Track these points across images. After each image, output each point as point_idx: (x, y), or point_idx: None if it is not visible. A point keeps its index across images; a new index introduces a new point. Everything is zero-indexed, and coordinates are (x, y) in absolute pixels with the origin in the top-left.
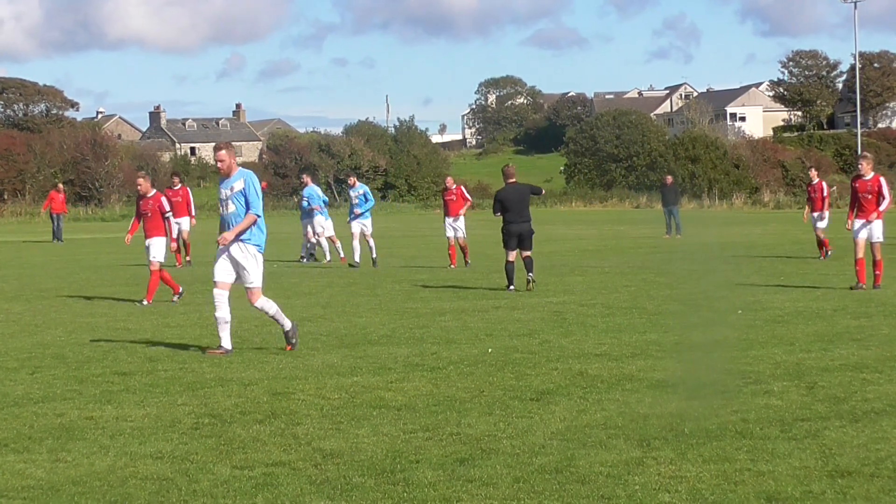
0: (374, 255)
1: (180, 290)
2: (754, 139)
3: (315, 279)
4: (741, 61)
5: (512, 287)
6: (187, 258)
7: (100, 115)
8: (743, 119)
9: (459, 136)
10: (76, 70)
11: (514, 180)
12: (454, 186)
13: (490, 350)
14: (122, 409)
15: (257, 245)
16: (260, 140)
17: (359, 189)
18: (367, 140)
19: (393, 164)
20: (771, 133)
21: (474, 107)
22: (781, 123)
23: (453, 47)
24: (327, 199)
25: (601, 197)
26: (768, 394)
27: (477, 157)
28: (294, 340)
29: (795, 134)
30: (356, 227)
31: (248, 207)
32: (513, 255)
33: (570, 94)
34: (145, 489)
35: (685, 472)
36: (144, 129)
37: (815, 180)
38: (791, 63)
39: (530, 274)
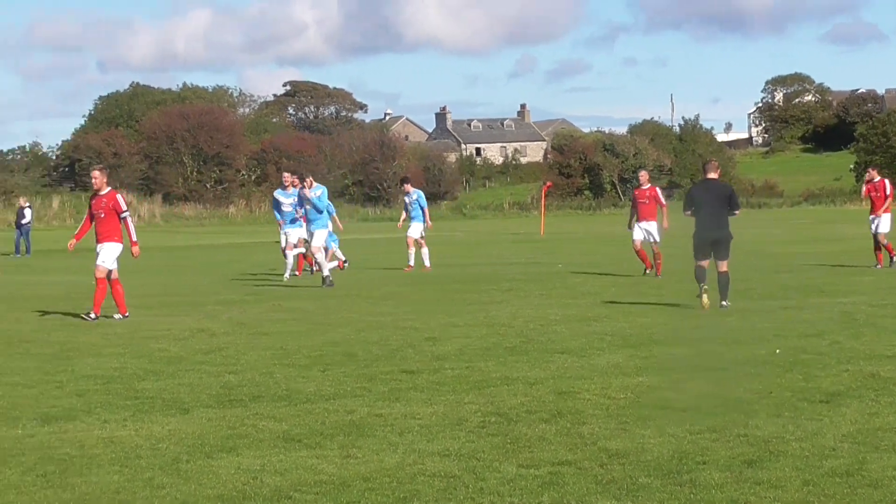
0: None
1: (126, 312)
2: None
3: (599, 279)
4: None
5: (704, 286)
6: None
7: (387, 117)
8: None
9: (745, 135)
10: (370, 72)
11: (713, 176)
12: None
13: (777, 351)
14: (410, 406)
15: None
16: (544, 140)
17: (413, 195)
18: (651, 139)
19: (677, 163)
20: None
21: (760, 105)
22: None
23: (746, 45)
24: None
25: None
26: None
27: (763, 156)
28: None
29: None
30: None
31: None
32: (705, 263)
33: (859, 91)
34: (433, 486)
35: None
36: (430, 130)
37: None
38: None
39: (724, 302)
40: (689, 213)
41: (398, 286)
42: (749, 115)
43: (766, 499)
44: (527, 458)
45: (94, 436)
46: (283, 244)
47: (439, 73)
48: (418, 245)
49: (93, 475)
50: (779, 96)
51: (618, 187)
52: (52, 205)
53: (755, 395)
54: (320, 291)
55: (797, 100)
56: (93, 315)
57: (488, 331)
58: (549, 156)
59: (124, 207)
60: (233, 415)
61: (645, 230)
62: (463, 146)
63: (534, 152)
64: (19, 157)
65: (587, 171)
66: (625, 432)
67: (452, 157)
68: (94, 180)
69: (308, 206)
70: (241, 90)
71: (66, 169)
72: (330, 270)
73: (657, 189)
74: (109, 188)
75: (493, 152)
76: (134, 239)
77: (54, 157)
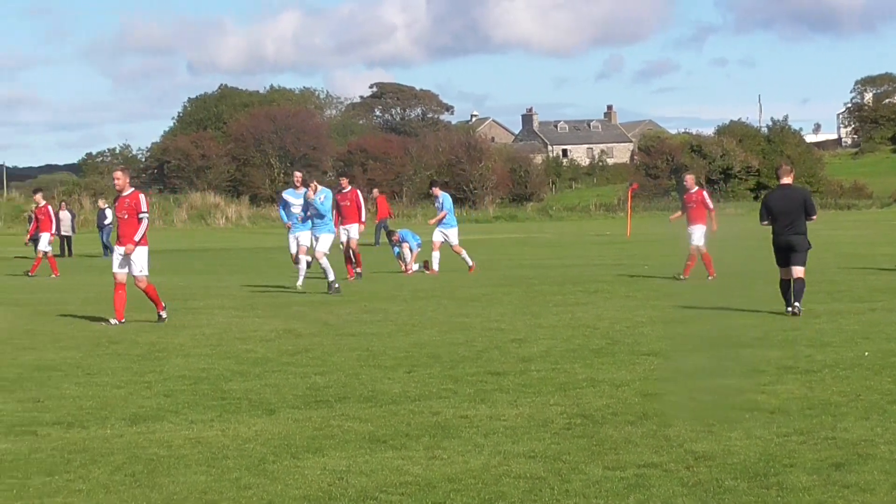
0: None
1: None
2: None
3: (686, 281)
4: None
5: (790, 309)
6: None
7: (473, 119)
8: None
9: (834, 136)
10: (458, 74)
11: (787, 181)
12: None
13: (866, 353)
14: (496, 408)
15: None
16: (631, 141)
17: (440, 199)
18: (739, 140)
19: (765, 164)
20: None
21: (850, 105)
22: None
23: (836, 44)
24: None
25: None
26: None
27: (852, 157)
28: None
29: None
30: (439, 235)
31: None
32: (784, 273)
33: None
34: (518, 487)
35: None
36: (517, 132)
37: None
38: None
39: (796, 303)
40: (766, 222)
41: (484, 287)
42: (838, 115)
43: (854, 502)
44: (612, 460)
45: (182, 436)
46: (294, 249)
47: (526, 75)
48: (441, 248)
49: (180, 475)
50: (868, 96)
51: (704, 188)
52: None
53: (843, 398)
54: (407, 293)
55: (887, 100)
56: (163, 315)
57: (574, 332)
58: (635, 157)
59: (144, 208)
60: (319, 416)
61: (689, 233)
62: (549, 147)
63: (620, 153)
64: (109, 159)
65: (674, 172)
66: (711, 434)
67: (539, 159)
68: (115, 181)
69: (312, 211)
70: (327, 92)
71: (155, 171)
72: (417, 270)
73: (704, 192)
74: (132, 189)
75: (580, 153)
76: (137, 238)
77: (143, 160)
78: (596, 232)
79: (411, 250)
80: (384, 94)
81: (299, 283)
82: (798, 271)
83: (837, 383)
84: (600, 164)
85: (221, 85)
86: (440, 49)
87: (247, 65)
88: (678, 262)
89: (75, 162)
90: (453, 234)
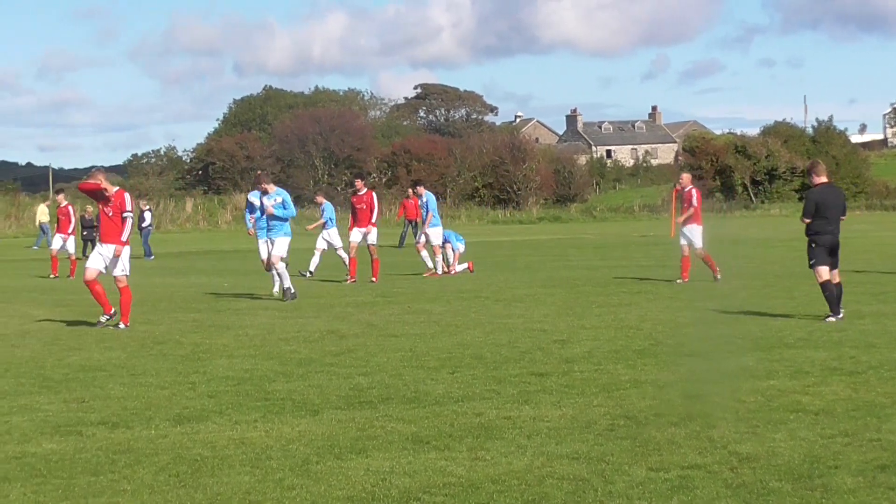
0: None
1: (112, 311)
2: None
3: (729, 281)
4: None
5: (841, 314)
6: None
7: (517, 120)
8: None
9: (880, 136)
10: (503, 74)
11: (825, 179)
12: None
13: None
14: (539, 409)
15: None
16: (675, 142)
17: (423, 198)
18: (784, 141)
19: None
20: None
21: None
22: None
23: (885, 44)
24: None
25: None
26: None
27: None
28: None
29: None
30: (437, 237)
31: None
32: (828, 273)
33: None
34: (562, 489)
35: None
36: (561, 133)
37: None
38: None
39: (840, 313)
40: (809, 219)
41: (528, 288)
42: (884, 116)
43: None
44: (656, 461)
45: (226, 437)
46: (264, 255)
47: (571, 75)
48: (433, 251)
49: (224, 476)
50: None
51: (749, 189)
52: (186, 207)
53: (889, 400)
54: (451, 294)
55: None
56: (122, 325)
57: (617, 333)
58: (679, 158)
59: (129, 207)
60: (362, 416)
61: (687, 236)
62: (593, 148)
63: (665, 154)
64: (154, 160)
65: (718, 173)
66: (755, 436)
67: (583, 160)
68: (104, 191)
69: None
70: (371, 93)
71: (200, 172)
72: (461, 271)
73: (694, 191)
74: (117, 188)
75: (624, 154)
76: (124, 239)
77: (188, 161)
78: (640, 233)
79: (454, 251)
80: (428, 95)
81: (275, 289)
82: (836, 275)
83: (883, 385)
84: (644, 164)
85: (266, 86)
86: (485, 50)
87: (293, 66)
88: (722, 263)
89: (120, 163)
90: (436, 234)
